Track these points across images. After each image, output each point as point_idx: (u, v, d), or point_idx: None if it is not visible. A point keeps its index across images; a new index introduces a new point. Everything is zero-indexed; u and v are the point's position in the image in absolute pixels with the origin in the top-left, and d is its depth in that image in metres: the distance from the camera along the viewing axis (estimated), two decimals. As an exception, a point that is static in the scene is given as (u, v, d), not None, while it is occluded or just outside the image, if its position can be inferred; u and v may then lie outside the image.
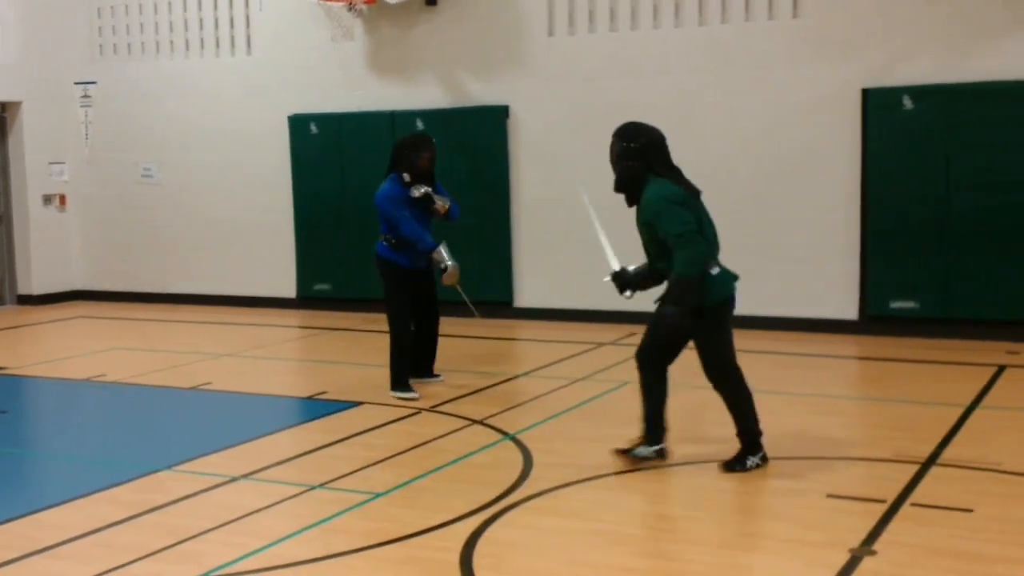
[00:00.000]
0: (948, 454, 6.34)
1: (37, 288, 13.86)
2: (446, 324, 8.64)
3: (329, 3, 11.98)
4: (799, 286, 10.49)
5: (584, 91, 11.19)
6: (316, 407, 7.99)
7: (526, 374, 9.05)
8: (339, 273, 12.46)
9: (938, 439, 6.63)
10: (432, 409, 7.71)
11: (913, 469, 6.04)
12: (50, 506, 5.80)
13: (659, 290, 6.23)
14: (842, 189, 10.29)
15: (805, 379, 8.64)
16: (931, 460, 6.21)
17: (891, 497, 5.56)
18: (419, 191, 7.96)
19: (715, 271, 5.88)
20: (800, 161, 10.42)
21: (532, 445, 6.69)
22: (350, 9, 11.97)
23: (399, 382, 8.06)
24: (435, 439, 6.93)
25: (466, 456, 6.54)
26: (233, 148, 13.05)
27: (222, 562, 4.90)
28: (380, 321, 8.65)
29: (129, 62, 13.68)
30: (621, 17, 11.07)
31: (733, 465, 6.05)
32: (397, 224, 7.93)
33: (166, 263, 13.65)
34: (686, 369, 6.33)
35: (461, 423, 7.30)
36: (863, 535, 5.04)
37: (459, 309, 9.15)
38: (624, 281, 6.25)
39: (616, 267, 6.31)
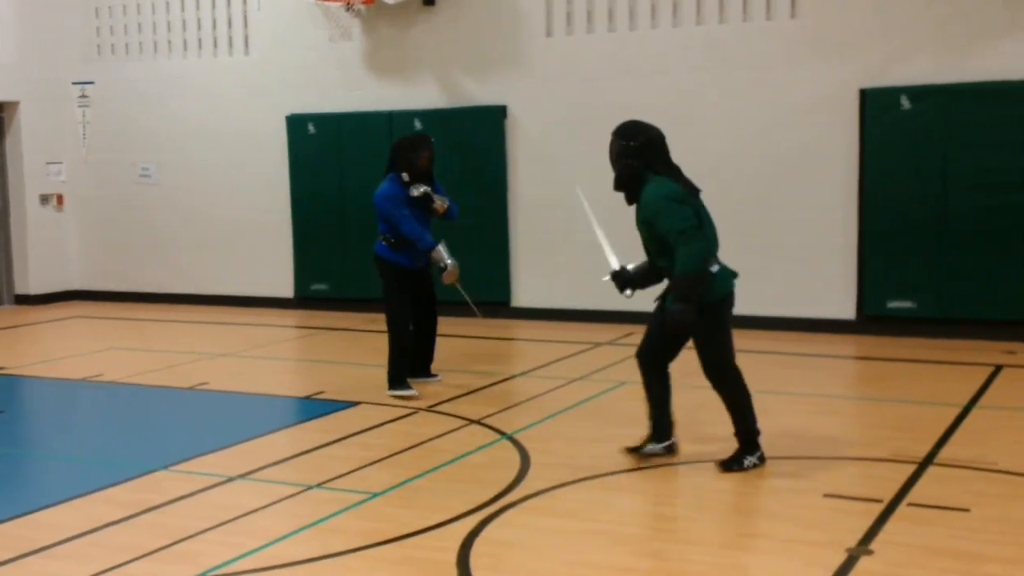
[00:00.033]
0: (945, 454, 6.34)
1: (34, 288, 13.85)
2: (444, 324, 8.64)
3: (327, 3, 11.98)
4: (797, 286, 10.49)
5: (582, 91, 11.19)
6: (313, 407, 7.99)
7: (523, 374, 9.05)
8: (337, 273, 12.46)
9: (935, 439, 6.63)
10: (429, 409, 7.70)
11: (910, 469, 6.04)
12: (47, 506, 5.79)
13: (658, 289, 6.24)
14: (840, 189, 10.29)
15: (802, 379, 8.64)
16: (928, 460, 6.22)
17: (888, 497, 5.56)
18: (418, 190, 7.97)
19: (715, 269, 5.89)
20: (798, 161, 10.42)
21: (529, 445, 6.69)
22: (348, 9, 11.97)
23: (398, 381, 8.05)
24: (432, 439, 6.93)
25: (463, 456, 6.53)
26: (231, 148, 13.04)
27: (219, 562, 4.90)
28: (378, 321, 8.65)
29: (127, 62, 13.67)
30: (619, 17, 11.07)
31: (731, 465, 6.05)
32: (397, 223, 7.93)
33: (163, 263, 13.64)
34: (685, 369, 6.33)
35: (458, 423, 7.29)
36: (860, 535, 5.04)
37: (457, 309, 9.16)
38: (624, 280, 6.25)
39: (616, 266, 6.31)
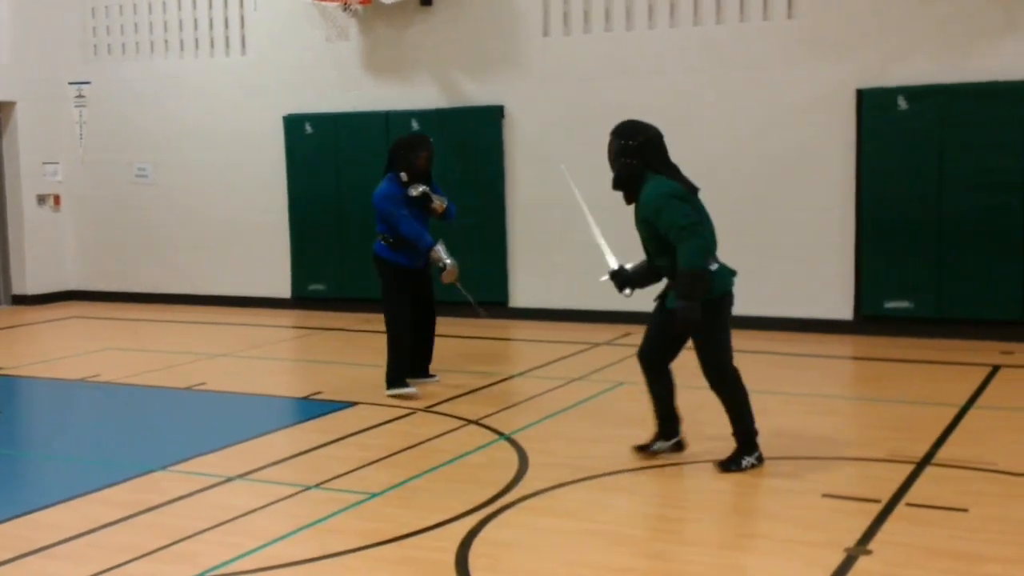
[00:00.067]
0: (943, 454, 6.35)
1: (31, 288, 13.84)
2: (442, 324, 8.63)
3: (324, 3, 11.98)
4: (794, 286, 10.50)
5: (579, 91, 11.20)
6: (311, 407, 7.98)
7: (522, 374, 9.05)
8: (334, 273, 12.45)
9: (933, 439, 6.64)
10: (428, 409, 7.70)
11: (908, 469, 6.04)
12: (45, 506, 5.78)
13: (657, 288, 6.25)
14: (837, 189, 10.30)
15: (800, 379, 8.64)
16: (926, 460, 6.22)
17: (886, 497, 5.56)
18: (417, 190, 7.96)
19: (714, 267, 5.90)
20: (795, 161, 10.43)
21: (528, 445, 6.69)
22: (345, 9, 11.97)
23: (398, 381, 8.05)
24: (431, 439, 6.92)
25: (462, 456, 6.53)
26: (228, 148, 13.03)
27: (217, 562, 4.89)
28: (375, 321, 8.65)
29: (123, 62, 13.66)
30: (616, 17, 11.08)
31: (729, 465, 6.06)
32: (396, 223, 7.92)
33: (160, 263, 13.63)
34: (684, 370, 6.33)
35: (457, 423, 7.29)
36: (859, 535, 5.04)
37: (456, 309, 9.17)
38: (623, 279, 6.26)
39: (614, 265, 6.32)
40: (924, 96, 9.86)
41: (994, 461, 6.14)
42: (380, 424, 7.35)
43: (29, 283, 13.82)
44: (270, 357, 10.25)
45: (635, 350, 6.35)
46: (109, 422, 8.05)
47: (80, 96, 13.86)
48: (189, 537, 5.23)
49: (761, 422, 6.17)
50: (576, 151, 10.75)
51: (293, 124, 12.54)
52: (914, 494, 5.63)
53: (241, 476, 6.24)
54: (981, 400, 7.70)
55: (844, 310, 10.38)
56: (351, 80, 12.26)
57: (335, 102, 12.32)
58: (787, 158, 10.45)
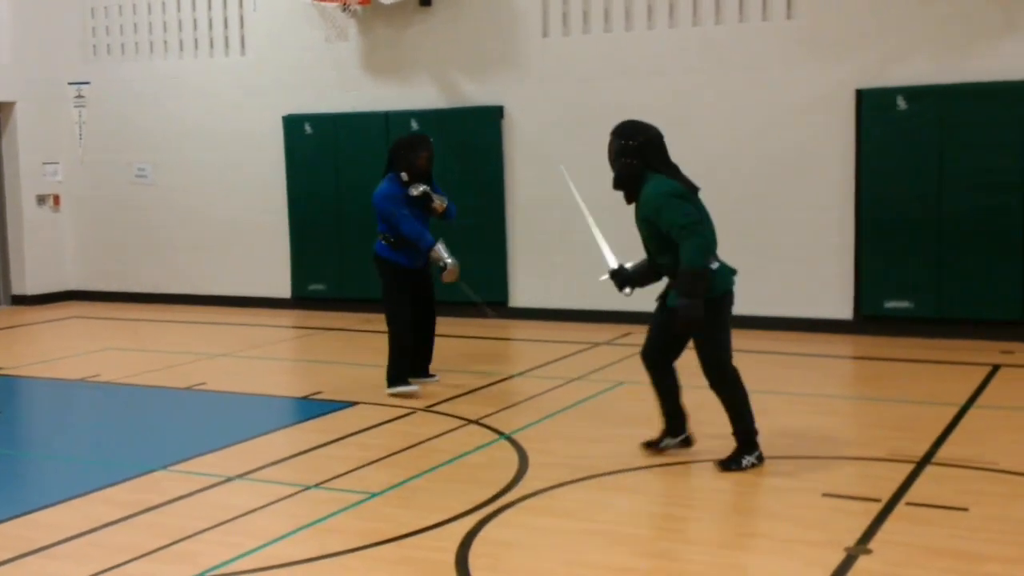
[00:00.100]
0: (943, 453, 6.35)
1: (31, 288, 13.84)
2: (442, 324, 8.63)
3: (323, 3, 11.98)
4: (794, 286, 10.50)
5: (578, 92, 11.20)
6: (311, 407, 7.98)
7: (521, 374, 9.05)
8: (334, 273, 12.45)
9: (933, 438, 6.64)
10: (427, 409, 7.70)
11: (908, 468, 6.05)
12: (45, 506, 5.78)
13: (657, 288, 6.25)
14: (836, 189, 10.30)
15: (800, 379, 8.64)
16: (926, 459, 6.22)
17: (886, 496, 5.56)
18: (417, 190, 7.97)
19: (715, 266, 5.90)
20: (794, 162, 10.43)
21: (528, 445, 6.69)
22: (344, 9, 11.97)
23: (398, 380, 8.05)
24: (430, 439, 6.92)
25: (461, 456, 6.53)
26: (227, 148, 13.03)
27: (217, 562, 4.89)
28: (375, 321, 8.65)
29: (123, 62, 13.66)
30: (615, 18, 11.08)
31: (729, 464, 6.06)
32: (397, 223, 7.92)
33: (160, 263, 13.63)
34: (684, 369, 6.33)
35: (456, 423, 7.29)
36: (859, 534, 5.04)
37: (456, 309, 9.18)
38: (623, 278, 6.27)
39: (614, 264, 6.32)
40: (923, 96, 9.86)
41: (994, 460, 6.15)
42: (380, 424, 7.35)
43: (29, 283, 13.82)
44: (270, 357, 10.25)
45: (635, 350, 6.36)
46: (109, 422, 8.05)
47: (80, 96, 13.86)
48: (189, 537, 5.23)
49: (761, 422, 6.17)
50: (575, 151, 10.75)
51: (293, 124, 12.54)
52: (914, 493, 5.63)
53: (241, 476, 6.24)
54: (981, 400, 7.70)
55: (844, 310, 10.38)
56: (350, 80, 12.26)
57: (335, 102, 12.32)
58: (786, 158, 10.45)
